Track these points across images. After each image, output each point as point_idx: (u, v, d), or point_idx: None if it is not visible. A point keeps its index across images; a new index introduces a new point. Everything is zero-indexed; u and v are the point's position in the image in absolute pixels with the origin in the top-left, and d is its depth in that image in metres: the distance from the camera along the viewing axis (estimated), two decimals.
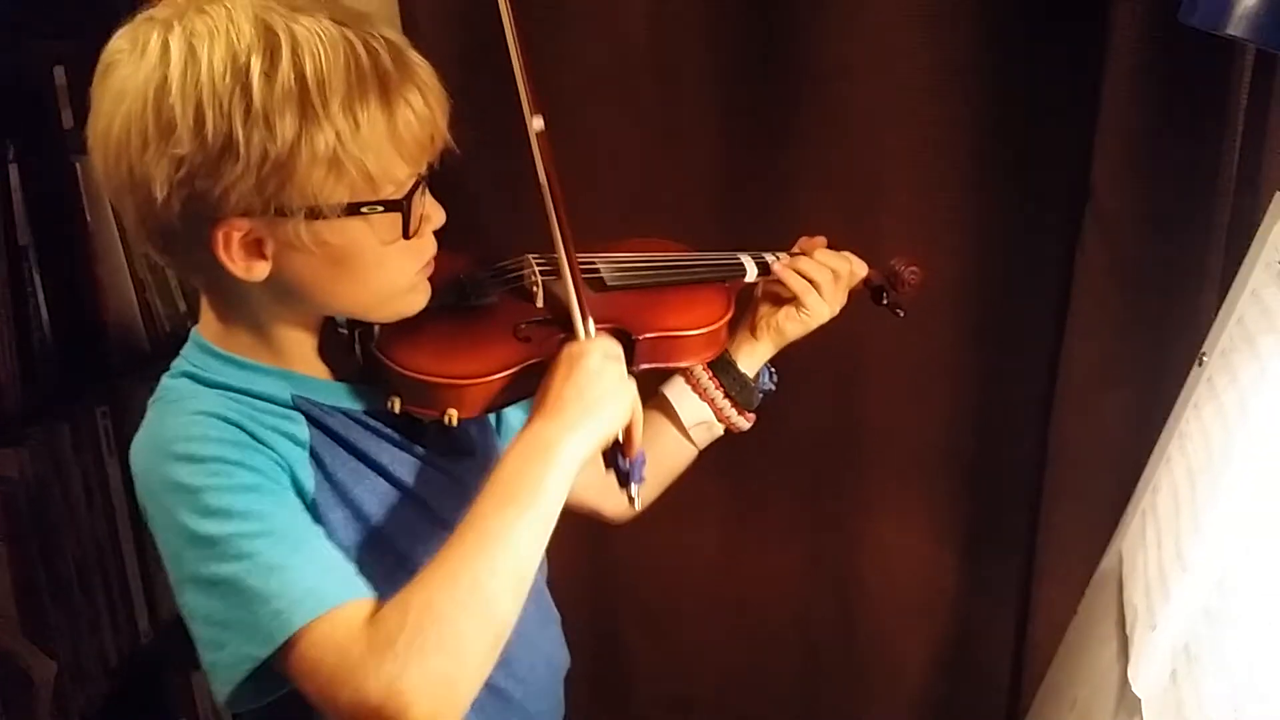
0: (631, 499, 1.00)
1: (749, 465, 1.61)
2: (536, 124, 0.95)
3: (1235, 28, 0.62)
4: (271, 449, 0.88)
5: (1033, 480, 1.48)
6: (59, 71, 1.36)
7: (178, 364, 0.93)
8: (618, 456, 0.98)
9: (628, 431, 0.96)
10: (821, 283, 1.14)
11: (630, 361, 1.04)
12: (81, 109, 1.48)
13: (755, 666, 1.76)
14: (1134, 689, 0.85)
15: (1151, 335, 1.34)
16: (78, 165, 1.39)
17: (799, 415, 1.56)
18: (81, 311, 1.42)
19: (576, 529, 1.62)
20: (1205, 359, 1.01)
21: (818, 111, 1.40)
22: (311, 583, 0.82)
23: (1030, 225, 1.39)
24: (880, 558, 1.62)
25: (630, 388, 0.95)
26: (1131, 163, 1.27)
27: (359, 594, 0.83)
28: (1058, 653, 1.20)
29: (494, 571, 0.82)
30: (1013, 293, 1.44)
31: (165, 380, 0.93)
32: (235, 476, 0.84)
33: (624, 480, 0.99)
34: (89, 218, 1.42)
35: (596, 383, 0.93)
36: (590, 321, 0.98)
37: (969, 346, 1.48)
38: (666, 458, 1.18)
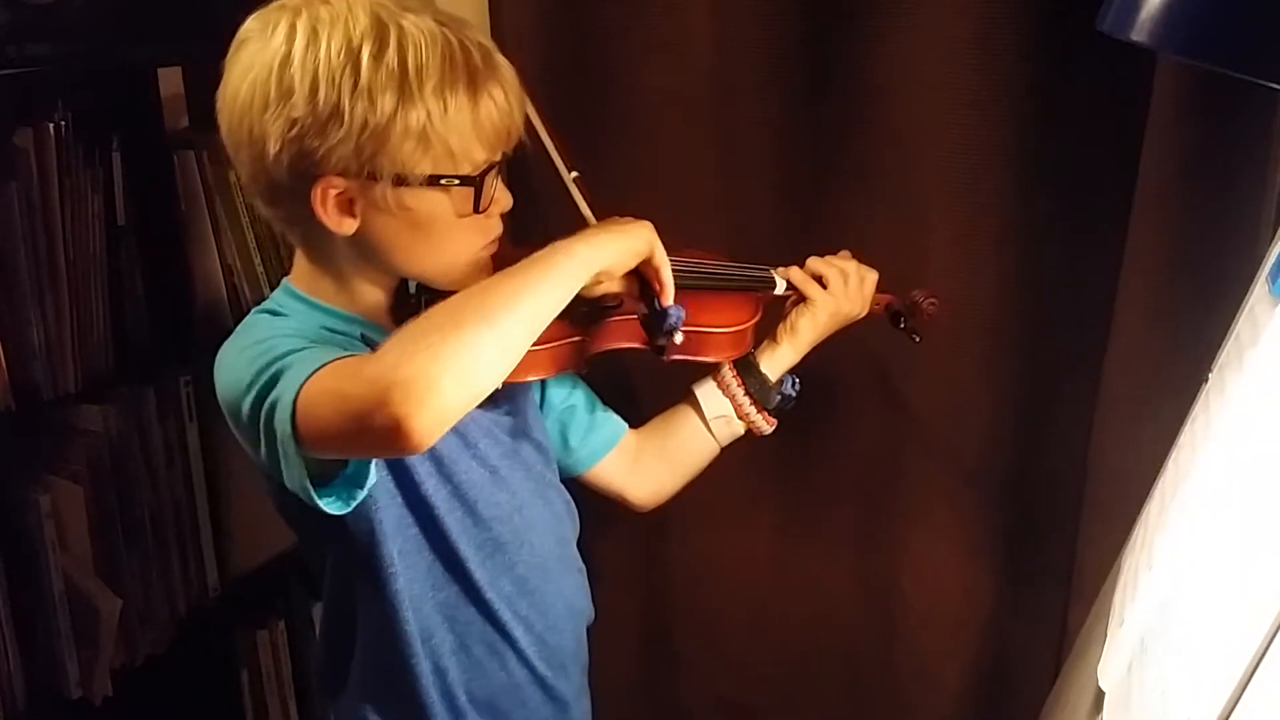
0: (661, 348, 1.10)
1: (798, 479, 1.65)
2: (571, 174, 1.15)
3: (1139, 34, 0.64)
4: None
5: (1072, 503, 1.48)
6: (161, 72, 1.49)
7: (263, 304, 1.07)
8: (653, 301, 1.06)
9: (657, 274, 1.05)
10: (828, 276, 1.24)
11: (663, 353, 1.15)
12: (192, 108, 1.61)
13: (799, 676, 1.78)
14: (1100, 683, 0.87)
15: (1191, 360, 1.33)
16: (175, 158, 1.51)
17: (846, 431, 1.60)
18: (172, 289, 1.53)
19: (631, 536, 1.68)
20: (1211, 375, 1.02)
21: (870, 128, 1.44)
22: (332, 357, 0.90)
23: (1075, 243, 1.40)
24: (922, 575, 1.63)
25: (649, 232, 1.05)
26: (1180, 175, 1.26)
27: None
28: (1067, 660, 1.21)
29: (493, 317, 0.87)
30: (1057, 311, 1.45)
31: (248, 316, 1.06)
32: (286, 338, 0.95)
33: (656, 325, 1.08)
34: (184, 206, 1.53)
35: (622, 222, 1.06)
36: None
37: (1012, 366, 1.49)
38: (688, 449, 1.29)
